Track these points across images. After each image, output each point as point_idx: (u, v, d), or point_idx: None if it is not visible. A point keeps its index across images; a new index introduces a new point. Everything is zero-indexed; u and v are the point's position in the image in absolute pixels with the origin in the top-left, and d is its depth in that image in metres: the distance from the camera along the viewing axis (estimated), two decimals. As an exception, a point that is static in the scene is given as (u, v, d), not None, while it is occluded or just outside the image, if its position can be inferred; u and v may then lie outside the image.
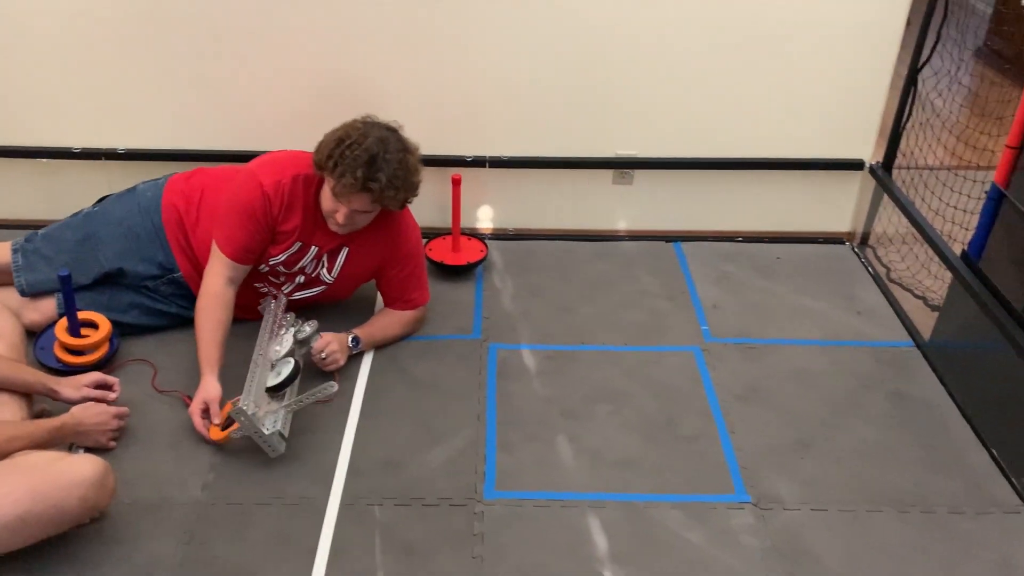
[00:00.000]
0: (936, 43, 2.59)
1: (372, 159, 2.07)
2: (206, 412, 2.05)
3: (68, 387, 2.02)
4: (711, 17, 2.66)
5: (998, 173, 2.23)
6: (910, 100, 2.72)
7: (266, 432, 1.93)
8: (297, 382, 2.07)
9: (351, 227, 2.22)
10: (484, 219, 3.03)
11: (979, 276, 2.28)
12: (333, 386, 1.98)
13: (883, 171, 2.84)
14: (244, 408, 1.90)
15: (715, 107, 2.81)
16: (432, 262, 2.75)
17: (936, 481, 2.04)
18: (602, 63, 2.73)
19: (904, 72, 2.70)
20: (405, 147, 2.16)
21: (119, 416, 2.02)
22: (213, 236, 2.24)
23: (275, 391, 2.00)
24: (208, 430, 2.03)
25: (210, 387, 2.05)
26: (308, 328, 2.17)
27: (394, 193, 2.13)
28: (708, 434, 2.15)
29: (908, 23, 2.65)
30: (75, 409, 1.97)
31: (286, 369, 2.01)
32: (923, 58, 2.63)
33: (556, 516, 1.91)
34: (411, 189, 2.19)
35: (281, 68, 2.72)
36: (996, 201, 2.25)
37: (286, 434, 2.00)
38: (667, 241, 3.00)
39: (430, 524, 1.88)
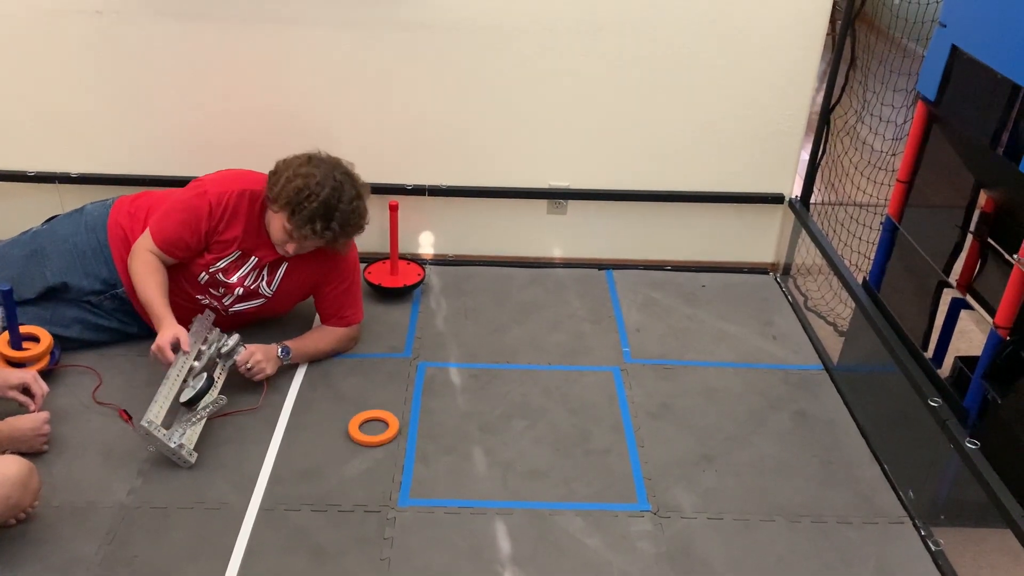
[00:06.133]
0: (844, 85, 2.77)
1: (328, 211, 2.26)
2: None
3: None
4: (642, 59, 2.83)
5: (891, 206, 2.38)
6: (824, 138, 2.89)
7: (171, 445, 2.04)
8: (214, 395, 2.17)
9: (298, 253, 2.39)
10: (425, 245, 3.16)
11: (877, 304, 2.42)
12: (223, 399, 2.14)
13: (800, 205, 3.00)
14: (144, 423, 2.01)
15: (645, 143, 2.97)
16: (371, 285, 2.87)
17: (829, 493, 2.16)
18: (537, 99, 2.89)
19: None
20: (358, 193, 2.34)
21: (47, 420, 2.11)
22: (148, 224, 2.38)
23: (189, 405, 2.11)
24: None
25: (176, 326, 2.20)
26: (231, 341, 2.28)
27: (345, 239, 2.35)
28: (617, 448, 2.27)
29: (854, 62, 2.79)
30: (9, 418, 2.07)
31: (199, 383, 2.12)
32: (833, 99, 2.81)
33: (464, 522, 2.01)
34: (360, 230, 2.39)
35: (227, 99, 2.86)
36: (891, 232, 2.40)
37: (192, 446, 2.11)
38: (599, 269, 3.14)
39: (343, 529, 1.98)
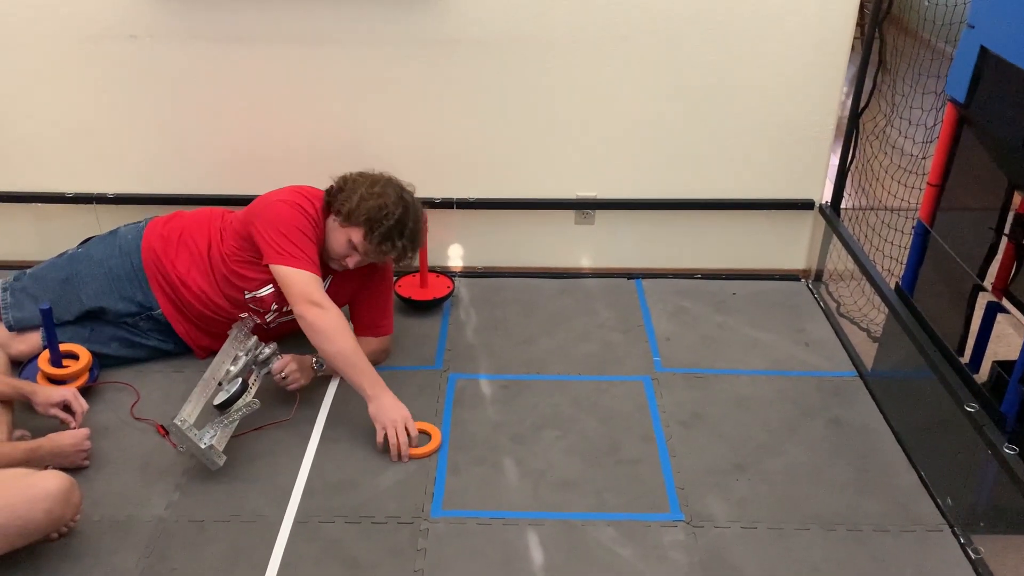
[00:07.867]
0: (873, 87, 2.74)
1: (402, 229, 2.35)
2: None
3: (41, 399, 2.17)
4: (667, 67, 2.83)
5: (922, 210, 2.36)
6: (853, 142, 2.87)
7: (202, 446, 2.07)
8: (247, 400, 2.20)
9: (357, 267, 2.44)
10: (454, 257, 3.18)
11: (910, 308, 2.39)
12: (256, 402, 2.17)
13: (831, 210, 2.97)
14: (176, 422, 2.04)
15: (672, 151, 2.97)
16: (401, 298, 2.89)
17: (865, 501, 2.13)
18: (562, 110, 2.90)
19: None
20: (420, 213, 2.44)
21: (88, 436, 2.16)
22: (286, 265, 2.28)
23: (222, 408, 2.14)
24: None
25: (400, 405, 2.26)
26: (267, 350, 2.31)
27: (412, 253, 2.43)
28: (649, 457, 2.26)
29: (883, 65, 2.76)
30: (51, 435, 2.12)
31: (233, 387, 2.15)
32: (862, 103, 2.78)
33: (497, 533, 2.02)
34: (420, 246, 2.50)
35: (258, 118, 2.91)
36: (923, 237, 2.37)
37: (222, 448, 2.14)
38: (628, 278, 3.13)
39: (377, 540, 1.99)
